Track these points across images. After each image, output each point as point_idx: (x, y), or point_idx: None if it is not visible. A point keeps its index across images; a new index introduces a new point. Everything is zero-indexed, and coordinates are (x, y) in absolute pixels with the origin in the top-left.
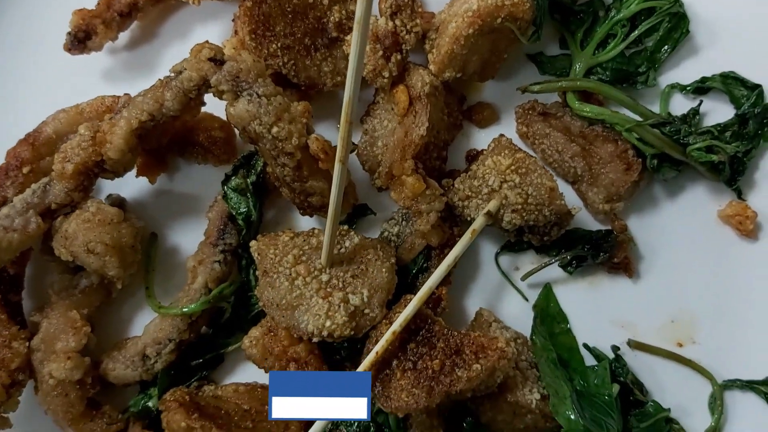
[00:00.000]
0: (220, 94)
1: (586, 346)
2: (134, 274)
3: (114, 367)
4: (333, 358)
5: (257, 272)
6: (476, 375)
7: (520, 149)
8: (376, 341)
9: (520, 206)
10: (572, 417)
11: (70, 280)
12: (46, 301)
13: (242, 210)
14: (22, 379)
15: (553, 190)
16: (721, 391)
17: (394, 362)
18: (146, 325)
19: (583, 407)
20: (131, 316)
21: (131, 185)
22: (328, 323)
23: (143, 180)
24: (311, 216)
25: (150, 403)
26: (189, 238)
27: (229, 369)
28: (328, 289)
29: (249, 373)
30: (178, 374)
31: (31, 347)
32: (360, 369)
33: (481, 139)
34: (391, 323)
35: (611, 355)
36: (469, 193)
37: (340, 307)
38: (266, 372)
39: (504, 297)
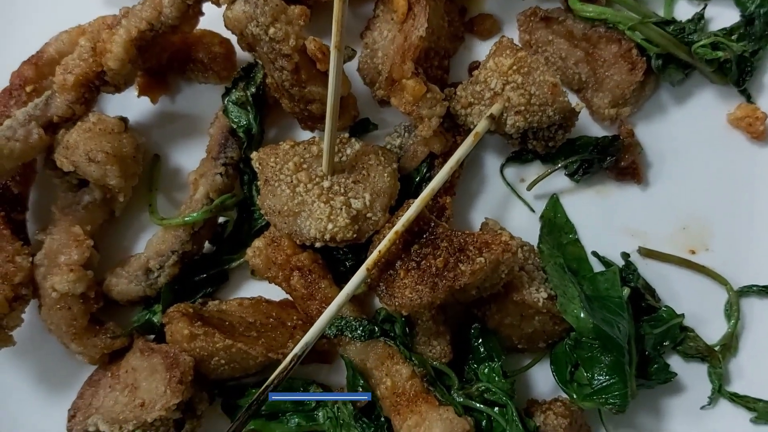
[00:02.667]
0: (217, 1)
1: (595, 254)
2: (137, 196)
3: (117, 283)
4: (338, 269)
5: (258, 182)
6: (480, 268)
7: (521, 49)
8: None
9: (523, 107)
10: (582, 315)
11: (73, 197)
12: (51, 222)
13: (243, 123)
14: (25, 294)
15: (556, 86)
16: (737, 296)
17: (398, 263)
18: (149, 240)
19: (593, 309)
20: (134, 240)
21: (134, 108)
22: (330, 226)
23: (146, 103)
24: (312, 131)
25: (154, 319)
26: (192, 159)
27: (234, 287)
28: (330, 195)
29: (253, 291)
30: (182, 291)
31: (35, 263)
32: (363, 267)
33: (484, 51)
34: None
35: (621, 264)
36: (472, 100)
37: (342, 210)
38: (270, 282)
39: (510, 209)
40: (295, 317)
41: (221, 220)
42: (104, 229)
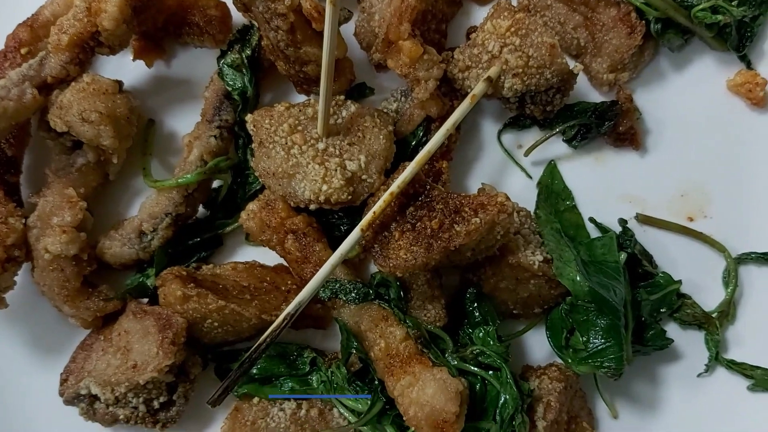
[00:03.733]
0: None
1: (592, 220)
2: (131, 162)
3: (110, 245)
4: (332, 234)
5: (253, 144)
6: (475, 228)
7: (519, 10)
8: None
9: (521, 70)
10: (577, 278)
11: (67, 160)
12: (44, 185)
13: (238, 86)
14: (17, 256)
15: (554, 47)
16: (735, 263)
17: (393, 225)
18: (142, 203)
19: (589, 273)
20: (129, 206)
21: (129, 73)
22: (324, 187)
23: (141, 68)
24: (308, 94)
25: (147, 282)
26: (186, 124)
27: (228, 252)
28: (325, 157)
29: (248, 257)
30: (176, 255)
31: (28, 224)
32: (357, 228)
33: (482, 17)
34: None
35: (618, 231)
36: (469, 63)
37: (336, 171)
38: (264, 245)
39: (507, 175)
40: (289, 282)
41: (215, 185)
42: (98, 194)
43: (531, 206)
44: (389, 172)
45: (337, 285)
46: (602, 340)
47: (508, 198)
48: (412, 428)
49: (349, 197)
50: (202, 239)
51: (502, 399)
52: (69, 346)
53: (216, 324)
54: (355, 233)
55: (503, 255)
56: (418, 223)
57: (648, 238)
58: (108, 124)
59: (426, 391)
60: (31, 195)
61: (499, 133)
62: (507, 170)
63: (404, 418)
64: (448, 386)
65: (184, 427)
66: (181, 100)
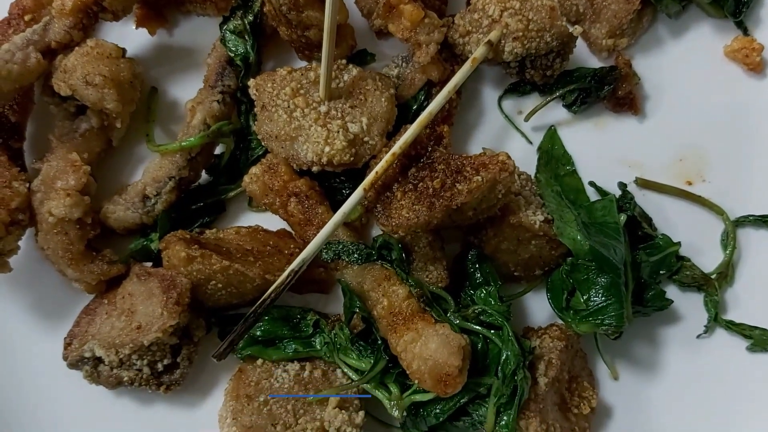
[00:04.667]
0: None
1: (592, 183)
2: (135, 130)
3: (114, 210)
4: (335, 198)
5: (255, 108)
6: (477, 186)
7: None
8: None
9: (521, 33)
10: (578, 237)
11: (70, 125)
12: (48, 151)
13: (240, 51)
14: (21, 219)
15: (554, 9)
16: (733, 226)
17: (395, 186)
18: (146, 167)
19: (590, 234)
20: (132, 173)
21: (132, 42)
22: (327, 149)
23: (144, 37)
24: (309, 61)
25: (151, 246)
26: (189, 92)
27: (231, 219)
28: (327, 119)
29: (251, 223)
30: (179, 220)
31: (32, 189)
32: (360, 187)
33: None
34: None
35: (618, 194)
36: (470, 28)
37: (339, 133)
38: (267, 208)
39: (507, 141)
40: (292, 245)
41: (218, 151)
42: (102, 162)
43: (531, 171)
44: (391, 135)
45: (340, 246)
46: (603, 298)
47: (509, 157)
48: (416, 382)
49: (352, 159)
50: (205, 204)
51: (504, 356)
52: (73, 312)
53: (220, 285)
54: (358, 193)
55: (504, 215)
56: (420, 184)
57: (647, 202)
58: (112, 87)
59: (429, 345)
60: (34, 161)
61: (500, 99)
62: (507, 136)
63: (407, 372)
64: (451, 341)
65: (188, 389)
66: (183, 69)
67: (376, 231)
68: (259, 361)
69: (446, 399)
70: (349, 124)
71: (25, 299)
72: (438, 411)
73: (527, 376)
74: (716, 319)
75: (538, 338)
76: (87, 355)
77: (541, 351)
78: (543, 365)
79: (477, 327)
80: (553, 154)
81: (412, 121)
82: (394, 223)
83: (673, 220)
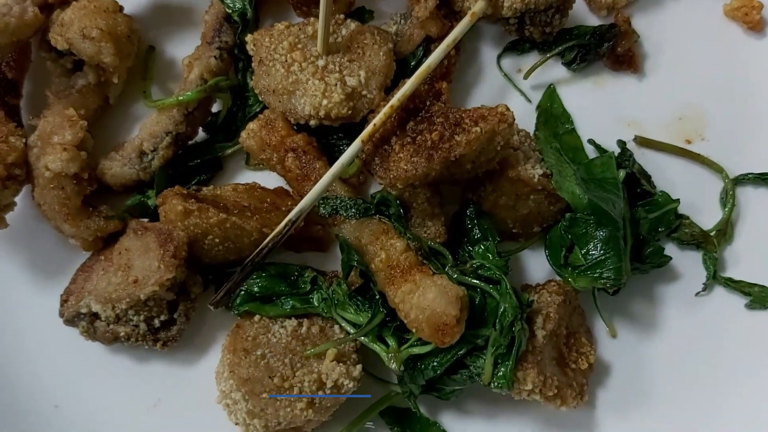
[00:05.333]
0: None
1: (591, 141)
2: (132, 89)
3: (111, 166)
4: (333, 155)
5: (253, 63)
6: (476, 137)
7: None
8: None
9: None
10: (577, 191)
11: (67, 82)
12: (45, 107)
13: (237, 7)
14: (18, 174)
15: None
16: (732, 183)
17: (393, 139)
18: (142, 123)
19: (589, 189)
20: (129, 132)
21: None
22: (324, 102)
23: None
24: (307, 17)
25: (148, 202)
26: (187, 50)
27: (228, 177)
28: (325, 73)
29: (247, 181)
30: (176, 177)
31: (28, 144)
32: (358, 139)
33: None
34: None
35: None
36: None
37: (336, 87)
38: (264, 164)
39: (507, 99)
40: (289, 203)
41: (215, 109)
42: (99, 120)
43: (530, 130)
44: (389, 89)
45: (338, 201)
46: (601, 251)
47: (508, 108)
48: (414, 331)
49: (349, 112)
50: (203, 162)
51: (502, 308)
52: (69, 270)
53: (217, 240)
54: (356, 145)
55: (503, 170)
56: (419, 137)
57: (646, 160)
58: (109, 41)
59: (427, 296)
60: (31, 118)
61: (499, 57)
62: (506, 94)
63: (405, 323)
64: (449, 291)
65: (185, 346)
66: (181, 27)
67: (374, 190)
68: (257, 317)
69: (444, 351)
70: (347, 78)
71: (22, 257)
72: (435, 364)
73: (525, 328)
74: (715, 277)
75: (536, 293)
76: (83, 310)
77: (539, 305)
78: (541, 319)
79: (475, 281)
80: (552, 113)
81: (410, 76)
82: (392, 176)
83: (672, 178)
